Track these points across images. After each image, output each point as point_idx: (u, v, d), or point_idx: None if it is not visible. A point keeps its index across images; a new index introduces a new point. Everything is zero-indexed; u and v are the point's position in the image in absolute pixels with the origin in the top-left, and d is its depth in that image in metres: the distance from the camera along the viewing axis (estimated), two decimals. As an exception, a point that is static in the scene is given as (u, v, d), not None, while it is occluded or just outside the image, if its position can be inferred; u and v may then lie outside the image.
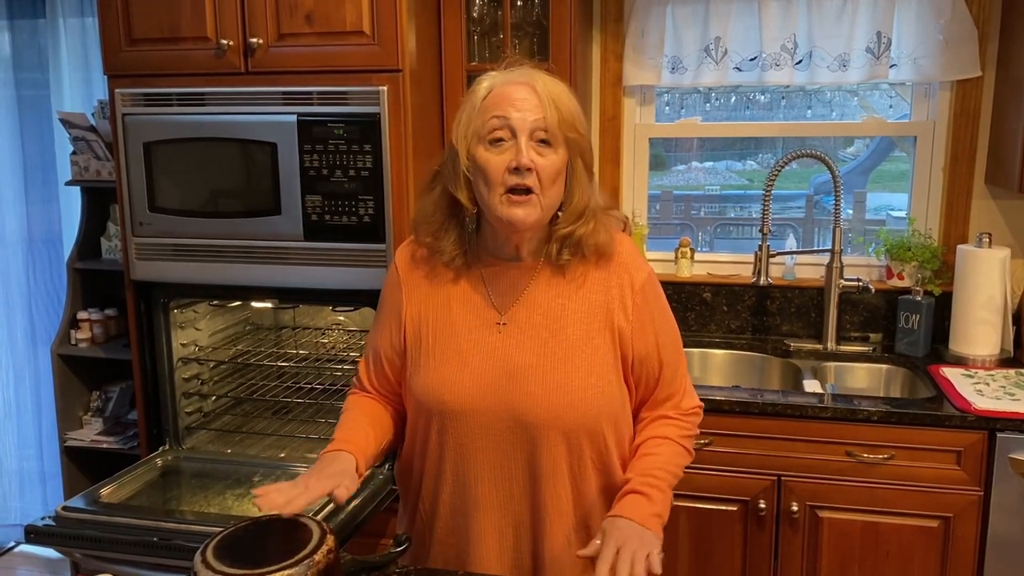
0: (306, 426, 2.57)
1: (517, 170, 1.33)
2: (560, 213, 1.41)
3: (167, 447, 2.48)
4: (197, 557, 1.15)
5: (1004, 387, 2.26)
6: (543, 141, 1.35)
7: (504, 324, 1.43)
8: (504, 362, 1.41)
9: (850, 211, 3.64)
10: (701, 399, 1.57)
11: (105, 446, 2.95)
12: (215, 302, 2.60)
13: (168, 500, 2.17)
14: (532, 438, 1.40)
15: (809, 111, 4.32)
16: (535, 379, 1.40)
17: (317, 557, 1.15)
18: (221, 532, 1.21)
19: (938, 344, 2.62)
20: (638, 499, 1.39)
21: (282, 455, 2.42)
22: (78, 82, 3.19)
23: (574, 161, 1.39)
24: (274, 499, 1.25)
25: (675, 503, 2.28)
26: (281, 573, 1.11)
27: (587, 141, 1.41)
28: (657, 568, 1.26)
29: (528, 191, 1.34)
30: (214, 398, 2.63)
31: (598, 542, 1.31)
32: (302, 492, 1.28)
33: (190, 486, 2.26)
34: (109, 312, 3.01)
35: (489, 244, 1.47)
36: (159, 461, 2.37)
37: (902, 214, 2.89)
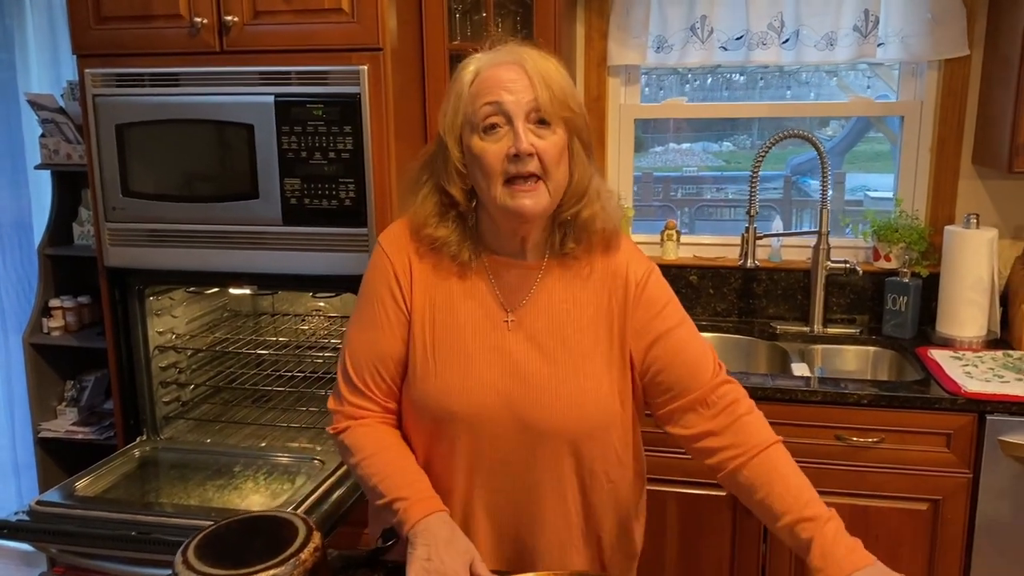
0: (287, 415, 2.52)
1: (517, 157, 1.25)
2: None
3: (145, 437, 2.42)
4: (178, 557, 1.11)
5: (992, 369, 2.24)
6: (541, 122, 1.27)
7: (512, 321, 1.36)
8: (513, 368, 1.34)
9: (830, 192, 3.63)
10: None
11: (80, 437, 2.88)
12: (192, 289, 2.54)
13: (147, 492, 2.11)
14: (537, 446, 1.35)
15: (788, 91, 4.30)
16: (548, 389, 1.33)
17: (303, 555, 1.10)
18: (203, 531, 1.17)
19: (925, 326, 2.61)
20: (836, 530, 1.25)
21: (263, 444, 2.37)
22: (46, 63, 3.09)
23: (571, 140, 1.32)
24: None
25: (664, 488, 2.27)
26: (266, 573, 1.07)
27: (583, 119, 1.33)
28: None
29: (531, 177, 1.27)
30: (192, 387, 2.57)
31: None
32: None
33: (169, 477, 2.21)
34: (82, 300, 2.93)
35: (490, 240, 1.38)
36: (137, 452, 2.32)
37: (879, 194, 2.88)
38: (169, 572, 1.11)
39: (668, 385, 1.38)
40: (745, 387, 1.42)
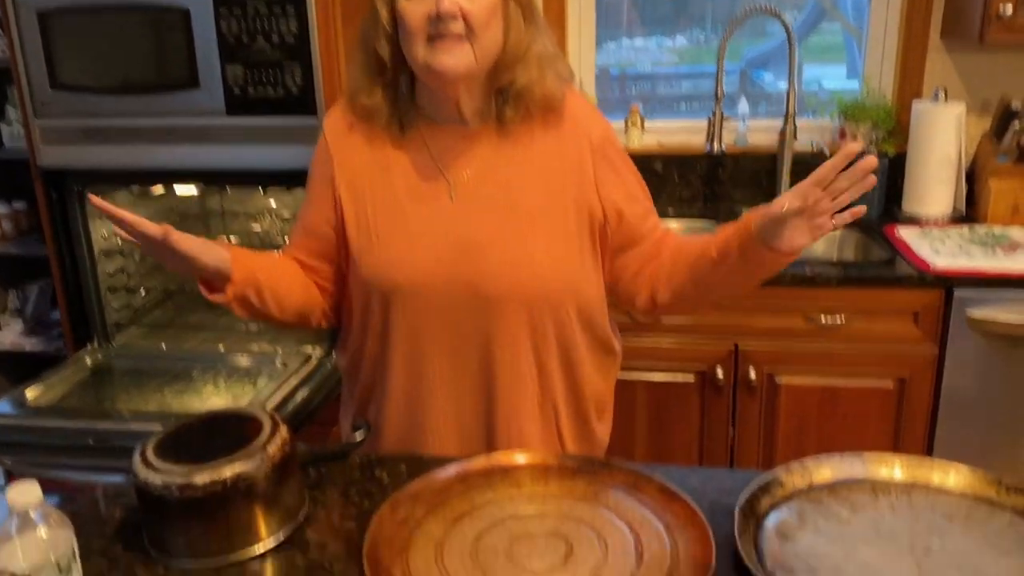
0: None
1: (439, 18, 1.18)
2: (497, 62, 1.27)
3: (96, 345, 2.33)
4: (135, 457, 1.04)
5: (960, 245, 2.23)
6: None
7: (453, 189, 1.31)
8: (459, 237, 1.30)
9: (783, 84, 3.56)
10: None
11: (28, 348, 2.78)
12: (135, 187, 2.41)
13: (102, 400, 2.04)
14: (491, 314, 1.30)
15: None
16: (494, 254, 1.29)
17: (271, 450, 1.05)
18: (162, 431, 1.10)
19: (891, 204, 2.59)
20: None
21: (220, 348, 2.29)
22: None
23: (505, 2, 1.24)
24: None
25: (633, 376, 2.26)
26: (232, 467, 1.01)
27: None
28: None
29: (455, 36, 1.20)
30: (143, 292, 2.47)
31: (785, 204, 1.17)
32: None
33: (124, 384, 2.13)
34: (17, 206, 2.78)
35: (427, 107, 1.33)
36: (88, 360, 2.23)
37: (834, 87, 2.82)
38: (126, 473, 1.05)
39: (624, 243, 1.39)
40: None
